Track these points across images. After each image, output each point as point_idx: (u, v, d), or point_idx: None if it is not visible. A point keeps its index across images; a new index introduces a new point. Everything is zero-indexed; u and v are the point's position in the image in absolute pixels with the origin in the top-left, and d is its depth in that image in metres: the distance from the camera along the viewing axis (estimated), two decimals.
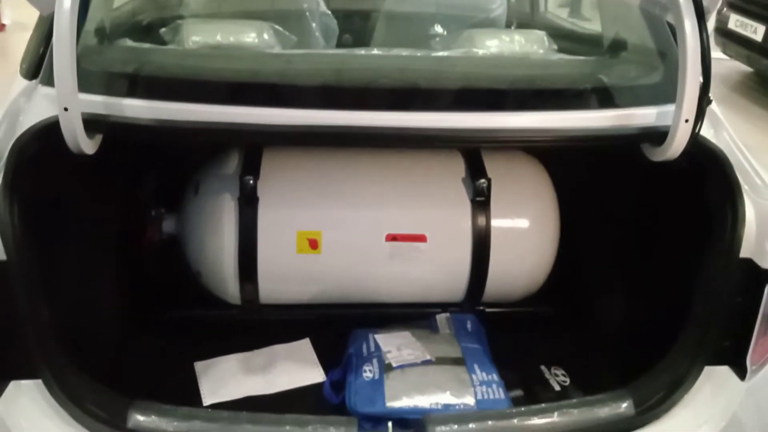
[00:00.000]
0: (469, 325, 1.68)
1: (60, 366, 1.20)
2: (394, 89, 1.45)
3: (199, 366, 1.62)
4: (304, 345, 1.71)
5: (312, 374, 1.62)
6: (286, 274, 1.62)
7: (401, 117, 1.36)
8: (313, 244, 1.58)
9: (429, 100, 1.42)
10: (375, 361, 1.52)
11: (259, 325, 1.73)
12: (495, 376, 1.49)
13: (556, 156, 1.70)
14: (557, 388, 1.57)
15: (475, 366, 1.51)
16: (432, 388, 1.44)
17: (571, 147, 1.51)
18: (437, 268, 1.64)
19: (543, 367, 1.63)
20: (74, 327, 1.33)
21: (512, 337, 1.67)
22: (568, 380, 1.60)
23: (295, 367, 1.63)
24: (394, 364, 1.50)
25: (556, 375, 1.61)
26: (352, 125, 1.34)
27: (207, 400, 1.53)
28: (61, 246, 1.41)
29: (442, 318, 1.69)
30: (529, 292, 1.72)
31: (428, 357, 1.52)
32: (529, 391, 1.54)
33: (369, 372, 1.50)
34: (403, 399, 1.42)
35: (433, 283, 1.66)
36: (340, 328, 1.67)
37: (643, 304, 1.60)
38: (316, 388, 1.58)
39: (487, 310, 1.74)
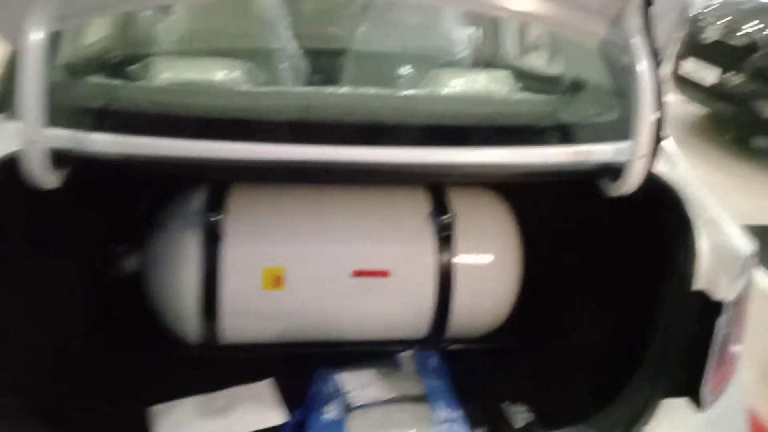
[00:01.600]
0: (432, 362, 1.66)
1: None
2: (360, 125, 1.47)
3: (154, 411, 1.57)
4: (267, 386, 1.66)
5: (274, 416, 1.57)
6: (250, 312, 1.60)
7: (366, 152, 1.38)
8: (278, 281, 1.56)
9: (394, 136, 1.44)
10: (337, 400, 1.49)
11: (220, 364, 1.69)
12: (459, 414, 1.47)
13: (519, 189, 1.73)
14: (521, 424, 1.56)
15: (439, 403, 1.49)
16: (395, 427, 1.42)
17: (531, 181, 1.54)
18: (401, 304, 1.63)
19: (507, 403, 1.61)
20: (23, 362, 1.29)
21: (476, 373, 1.66)
22: (532, 416, 1.59)
23: (256, 409, 1.59)
24: (356, 404, 1.47)
25: (520, 411, 1.59)
26: (318, 160, 1.35)
27: None
28: (18, 278, 1.37)
29: (406, 355, 1.68)
30: (493, 326, 1.71)
31: (391, 395, 1.50)
32: (493, 427, 1.52)
33: (330, 412, 1.46)
34: None
35: (397, 318, 1.65)
36: (305, 367, 1.63)
37: (606, 335, 1.61)
38: (278, 430, 1.54)
39: (450, 346, 1.73)
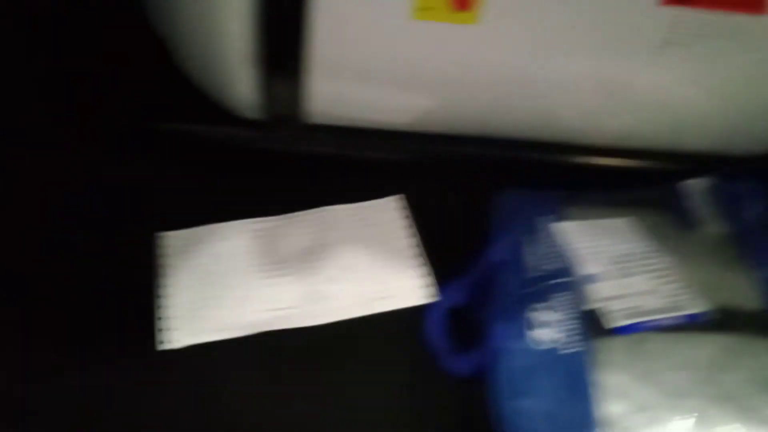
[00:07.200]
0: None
1: None
2: None
3: (169, 241, 0.79)
4: (391, 209, 0.83)
5: (405, 284, 0.76)
6: (378, 66, 0.69)
7: None
8: (461, 1, 0.61)
9: None
10: (562, 299, 0.65)
11: (301, 162, 0.85)
12: None
13: None
14: None
15: None
16: (723, 396, 0.58)
17: None
18: None
19: None
20: None
21: None
22: None
23: (369, 264, 0.77)
24: (617, 321, 0.62)
25: None
26: None
27: (176, 338, 0.70)
28: None
29: (698, 189, 0.77)
30: None
31: (698, 308, 0.64)
32: None
33: (544, 327, 0.63)
34: (647, 414, 0.57)
35: (750, 105, 0.71)
36: (467, 183, 0.80)
37: None
38: (413, 316, 0.74)
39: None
